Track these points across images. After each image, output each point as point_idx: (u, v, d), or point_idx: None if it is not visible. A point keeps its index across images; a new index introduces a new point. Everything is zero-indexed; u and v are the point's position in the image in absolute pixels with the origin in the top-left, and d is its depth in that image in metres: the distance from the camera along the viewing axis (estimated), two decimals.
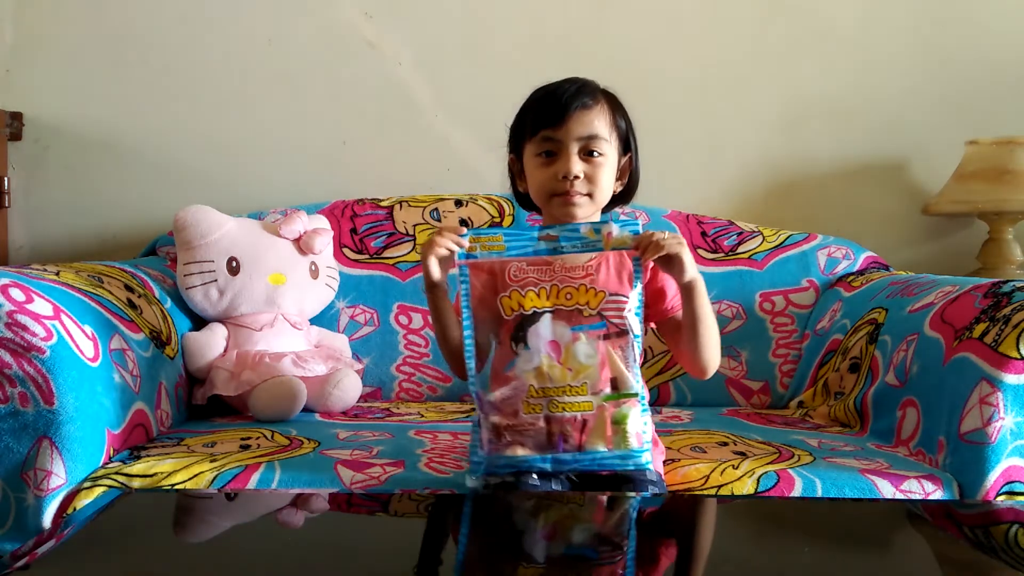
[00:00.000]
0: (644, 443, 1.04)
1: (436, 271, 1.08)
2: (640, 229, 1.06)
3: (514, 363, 1.04)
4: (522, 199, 1.23)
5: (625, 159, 1.19)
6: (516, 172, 1.22)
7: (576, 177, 1.11)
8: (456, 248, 1.06)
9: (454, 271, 1.08)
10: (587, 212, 1.15)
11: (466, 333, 1.05)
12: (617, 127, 1.15)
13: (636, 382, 1.04)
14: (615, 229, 1.05)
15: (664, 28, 1.99)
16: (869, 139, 2.02)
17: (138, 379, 1.32)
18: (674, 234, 1.07)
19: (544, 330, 1.04)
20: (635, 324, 1.06)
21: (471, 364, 1.05)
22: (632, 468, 1.04)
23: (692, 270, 1.07)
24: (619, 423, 1.03)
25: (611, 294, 1.05)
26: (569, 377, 1.03)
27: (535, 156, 1.14)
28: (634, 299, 1.07)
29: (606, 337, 1.04)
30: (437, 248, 1.07)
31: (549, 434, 1.02)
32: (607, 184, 1.14)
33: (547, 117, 1.12)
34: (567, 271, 1.07)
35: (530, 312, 1.04)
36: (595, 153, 1.12)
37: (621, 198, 1.22)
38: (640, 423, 1.04)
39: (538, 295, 1.05)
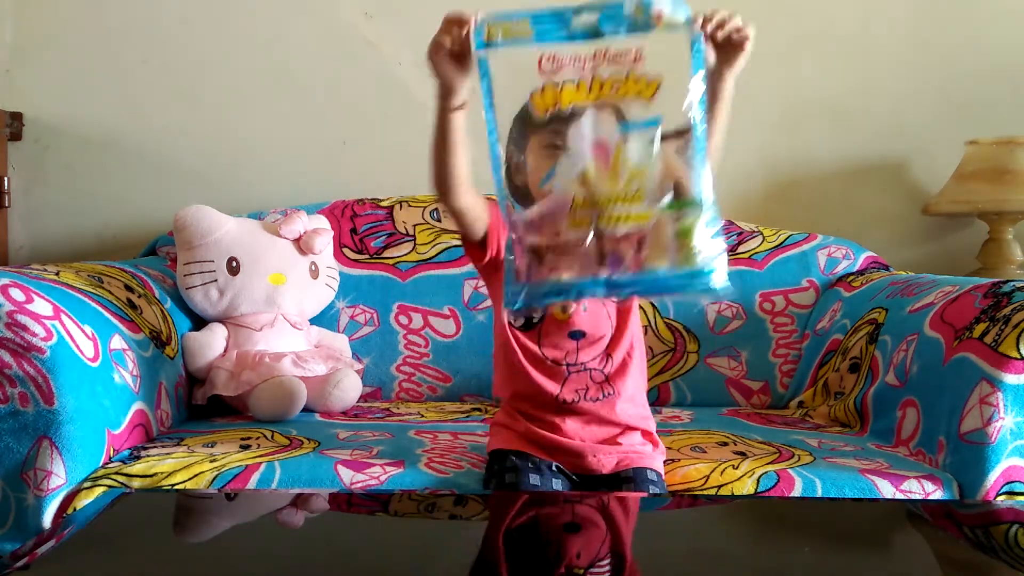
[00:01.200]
0: (714, 260, 0.87)
1: (449, 71, 0.94)
2: (691, 11, 0.91)
3: (552, 172, 0.91)
4: (516, 192, 1.20)
5: None
6: (513, 165, 1.19)
7: None
8: (469, 36, 0.92)
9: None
10: None
11: (491, 139, 0.90)
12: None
13: (702, 187, 0.88)
14: (667, 5, 0.89)
15: (664, 30, 1.99)
16: (869, 139, 2.02)
17: (138, 379, 1.32)
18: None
19: (587, 129, 0.89)
20: (699, 116, 0.90)
21: (498, 176, 0.91)
22: (700, 289, 0.88)
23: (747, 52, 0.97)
24: (683, 236, 0.87)
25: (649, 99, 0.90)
26: (621, 183, 0.87)
27: (542, 148, 1.08)
28: (696, 88, 0.91)
29: (664, 137, 0.89)
30: (445, 40, 0.94)
31: (600, 253, 0.87)
32: None
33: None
34: (611, 57, 0.91)
35: (568, 110, 0.90)
36: None
37: None
38: (708, 236, 0.87)
39: (577, 88, 0.89)
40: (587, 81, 0.89)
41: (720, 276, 0.86)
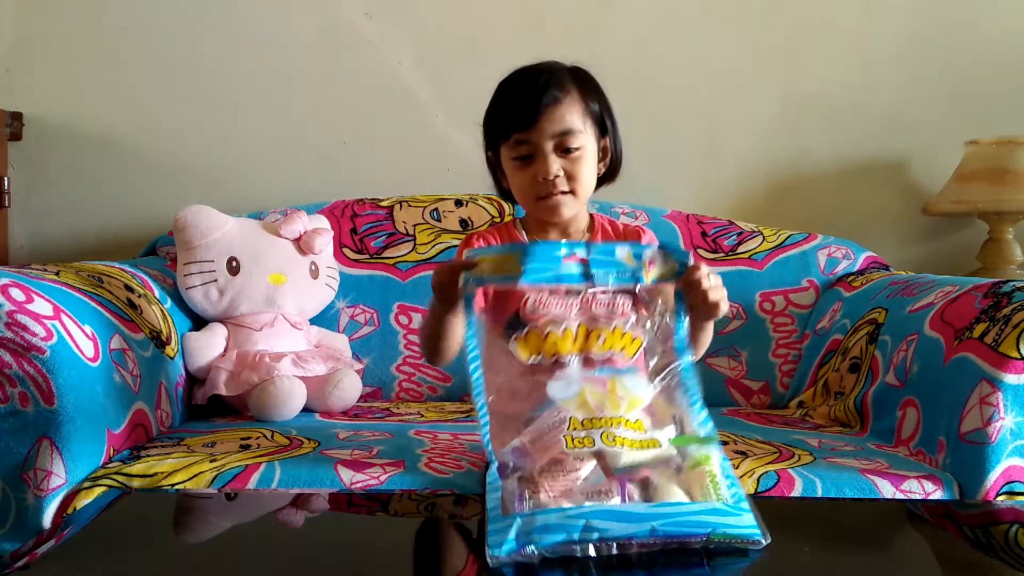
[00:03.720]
0: (740, 497, 0.80)
1: (452, 299, 0.96)
2: (690, 259, 0.89)
3: (542, 406, 0.83)
4: (506, 194, 1.21)
5: (605, 140, 1.15)
6: (497, 167, 1.20)
7: (556, 176, 1.09)
8: (459, 275, 0.91)
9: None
10: (572, 210, 1.13)
11: (475, 393, 0.84)
12: (591, 112, 1.12)
13: (704, 421, 0.84)
14: (659, 258, 0.88)
15: (664, 28, 1.99)
16: (869, 139, 2.02)
17: (138, 379, 1.32)
18: (717, 276, 0.95)
19: (575, 373, 0.85)
20: (682, 355, 0.88)
21: (484, 421, 0.83)
22: (735, 533, 0.77)
23: (723, 313, 0.97)
24: (701, 464, 0.80)
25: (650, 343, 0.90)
26: (622, 408, 0.81)
27: (511, 160, 1.12)
28: (680, 334, 0.89)
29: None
30: (441, 280, 0.98)
31: (605, 471, 0.79)
32: (588, 177, 1.12)
33: (518, 119, 1.09)
34: (598, 304, 0.91)
35: (552, 360, 0.86)
36: (572, 148, 1.09)
37: (605, 179, 1.19)
38: (728, 469, 0.81)
39: (562, 336, 0.85)
40: (572, 329, 0.85)
41: (751, 517, 0.77)
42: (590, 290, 0.88)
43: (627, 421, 0.81)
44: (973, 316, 1.28)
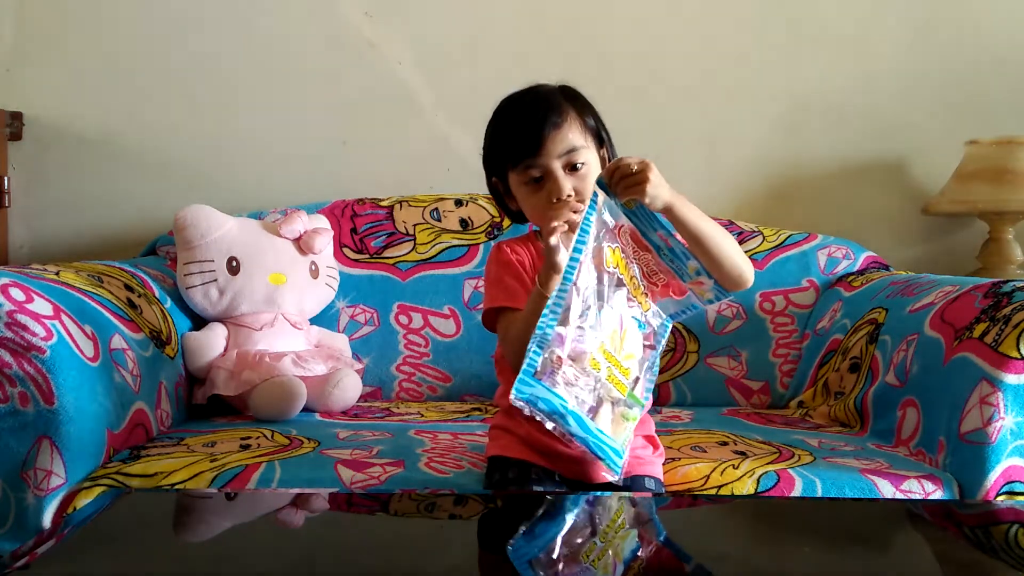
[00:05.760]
0: (624, 453, 1.01)
1: (563, 252, 1.01)
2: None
3: (599, 314, 0.99)
4: (516, 216, 1.23)
5: (603, 150, 1.18)
6: (502, 192, 1.21)
7: (569, 196, 1.11)
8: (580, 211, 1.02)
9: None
10: None
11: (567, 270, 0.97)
12: (589, 128, 1.16)
13: (647, 393, 1.03)
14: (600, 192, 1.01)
15: (664, 28, 1.99)
16: (869, 139, 2.02)
17: (138, 379, 1.32)
18: (638, 160, 1.01)
19: (619, 302, 1.01)
20: (663, 338, 1.05)
21: (570, 275, 0.97)
22: (609, 464, 1.00)
23: (663, 192, 1.01)
24: (627, 420, 1.01)
25: (650, 310, 1.04)
26: (623, 355, 1.00)
27: (523, 184, 1.15)
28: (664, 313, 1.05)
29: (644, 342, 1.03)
30: (560, 219, 1.03)
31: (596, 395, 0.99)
32: None
33: (524, 147, 1.12)
34: (635, 251, 1.04)
35: (611, 270, 1.00)
36: (578, 165, 1.12)
37: None
38: (631, 433, 1.02)
39: (613, 253, 1.01)
40: (621, 257, 1.02)
41: (622, 466, 1.00)
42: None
43: (622, 367, 1.00)
44: (973, 316, 1.28)
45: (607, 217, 1.01)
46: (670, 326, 1.07)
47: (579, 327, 0.97)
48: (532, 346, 0.95)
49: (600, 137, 1.18)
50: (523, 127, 1.13)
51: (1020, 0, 2.02)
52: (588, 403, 0.98)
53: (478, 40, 1.98)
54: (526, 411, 0.95)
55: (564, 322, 0.96)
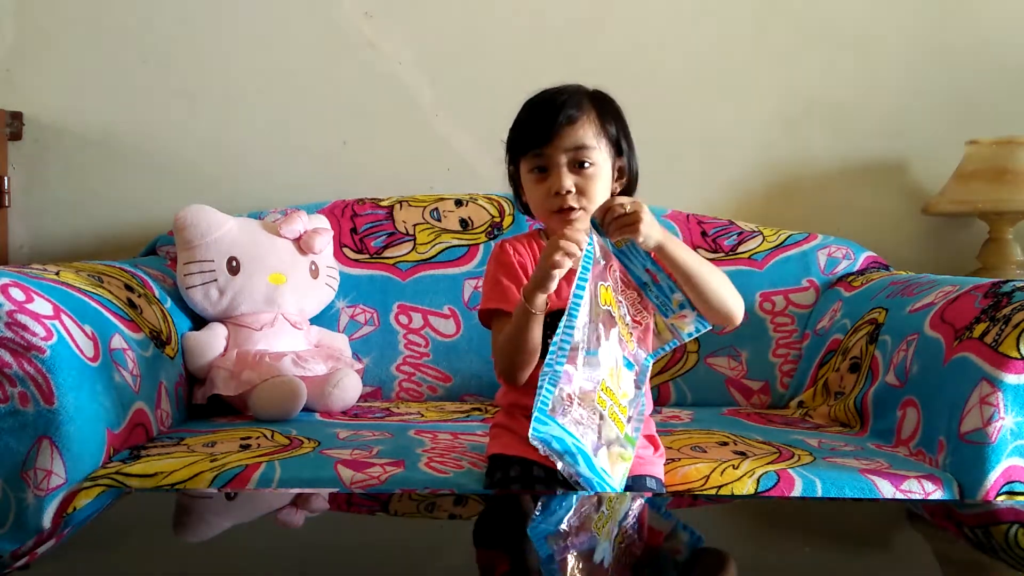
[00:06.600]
0: (618, 487, 1.03)
1: (556, 281, 1.03)
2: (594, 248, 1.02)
3: (596, 352, 1.00)
4: (527, 208, 1.23)
5: (621, 161, 1.18)
6: (517, 182, 1.22)
7: (568, 192, 1.11)
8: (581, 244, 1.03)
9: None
10: (586, 225, 1.14)
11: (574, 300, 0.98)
12: (606, 133, 1.15)
13: (636, 429, 1.06)
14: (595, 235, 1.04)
15: (664, 28, 1.99)
16: (869, 139, 2.02)
17: (138, 379, 1.32)
18: (631, 200, 1.03)
19: (613, 340, 1.02)
20: (644, 379, 1.08)
21: (573, 323, 0.98)
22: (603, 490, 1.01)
23: (656, 232, 1.04)
24: (622, 459, 1.03)
25: (636, 349, 1.07)
26: (620, 393, 1.02)
27: (528, 173, 1.15)
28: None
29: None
30: (567, 247, 1.02)
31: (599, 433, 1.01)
32: (600, 194, 1.13)
33: (535, 135, 1.13)
34: (623, 289, 1.07)
35: (605, 308, 1.02)
36: (585, 164, 1.12)
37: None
38: (625, 475, 1.04)
39: (605, 291, 1.03)
40: (612, 295, 1.04)
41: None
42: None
43: (622, 407, 1.03)
44: (973, 316, 1.28)
45: (599, 255, 1.03)
46: (650, 366, 1.10)
47: (585, 365, 0.99)
48: (544, 382, 0.96)
49: (619, 146, 1.17)
50: (539, 117, 1.13)
51: (1021, 1, 2.02)
52: (593, 442, 0.99)
53: (478, 40, 1.98)
54: (542, 451, 0.96)
55: (572, 360, 0.98)
